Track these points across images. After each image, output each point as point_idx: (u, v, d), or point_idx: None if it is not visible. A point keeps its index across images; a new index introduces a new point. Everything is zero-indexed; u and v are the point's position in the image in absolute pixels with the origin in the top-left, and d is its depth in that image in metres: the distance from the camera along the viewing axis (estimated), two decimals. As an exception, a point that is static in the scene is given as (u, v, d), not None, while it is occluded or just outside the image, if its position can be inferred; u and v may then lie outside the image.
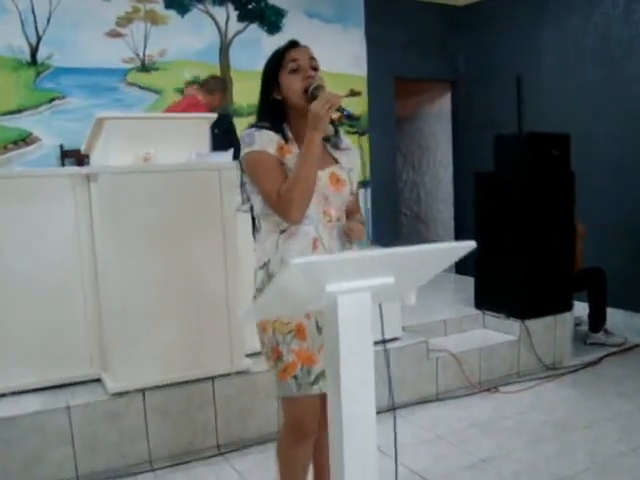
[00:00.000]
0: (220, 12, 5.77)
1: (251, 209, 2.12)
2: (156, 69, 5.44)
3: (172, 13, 5.54)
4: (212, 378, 3.21)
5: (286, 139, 2.01)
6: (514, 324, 4.37)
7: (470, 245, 1.44)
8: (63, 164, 5.08)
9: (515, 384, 4.16)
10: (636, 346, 4.82)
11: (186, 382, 3.16)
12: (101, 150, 3.10)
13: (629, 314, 5.33)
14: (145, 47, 5.43)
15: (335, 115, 1.97)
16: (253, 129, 2.00)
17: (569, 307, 4.59)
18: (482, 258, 4.56)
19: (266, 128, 1.99)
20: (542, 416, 3.63)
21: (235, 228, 3.19)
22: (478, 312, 4.65)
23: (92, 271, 3.19)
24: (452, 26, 7.07)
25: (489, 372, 4.19)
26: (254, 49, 5.87)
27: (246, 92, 5.85)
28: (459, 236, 7.58)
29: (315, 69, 2.03)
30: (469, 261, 7.28)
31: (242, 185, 2.09)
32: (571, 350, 4.60)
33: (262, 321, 2.07)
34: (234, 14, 5.84)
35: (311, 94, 1.96)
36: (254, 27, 5.94)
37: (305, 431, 2.09)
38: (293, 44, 2.06)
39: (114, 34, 5.29)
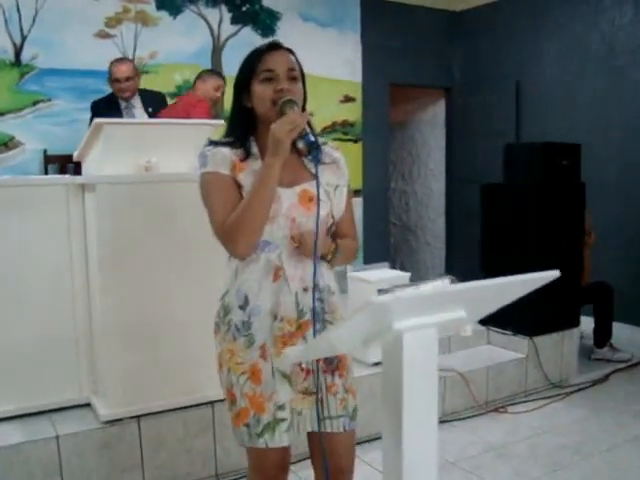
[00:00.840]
0: (213, 14, 5.56)
1: None
2: (146, 72, 5.19)
3: (164, 14, 5.32)
4: (212, 403, 2.99)
5: (247, 154, 1.79)
6: (521, 341, 4.20)
7: (554, 275, 1.28)
8: (46, 170, 4.83)
9: (523, 403, 3.99)
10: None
11: (184, 408, 2.94)
12: (98, 157, 2.86)
13: (634, 329, 5.20)
14: (135, 49, 5.20)
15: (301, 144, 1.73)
16: (207, 148, 1.80)
17: (576, 323, 4.43)
18: (488, 271, 4.40)
19: (223, 144, 1.80)
20: (557, 439, 3.46)
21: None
22: (482, 328, 4.47)
23: (84, 287, 2.96)
24: (448, 32, 6.93)
25: (496, 391, 4.02)
26: (247, 52, 5.66)
27: (238, 97, 5.65)
28: (451, 246, 7.45)
29: (294, 79, 1.79)
30: (464, 273, 7.19)
31: None
32: (577, 367, 4.45)
33: (219, 355, 1.89)
34: (227, 16, 5.64)
35: (280, 109, 1.73)
36: (248, 30, 5.74)
37: (270, 474, 1.90)
38: (272, 47, 1.82)
39: (103, 35, 5.05)
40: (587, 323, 4.75)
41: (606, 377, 4.40)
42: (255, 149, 1.81)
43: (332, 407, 1.84)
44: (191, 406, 2.95)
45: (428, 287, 1.34)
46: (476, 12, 6.76)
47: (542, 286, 4.43)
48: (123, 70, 4.29)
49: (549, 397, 4.07)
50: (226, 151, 1.77)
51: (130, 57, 5.15)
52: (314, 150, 1.73)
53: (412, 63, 6.73)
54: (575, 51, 5.78)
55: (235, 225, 1.69)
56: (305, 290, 1.79)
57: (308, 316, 1.80)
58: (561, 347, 4.33)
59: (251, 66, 1.80)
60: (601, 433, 3.52)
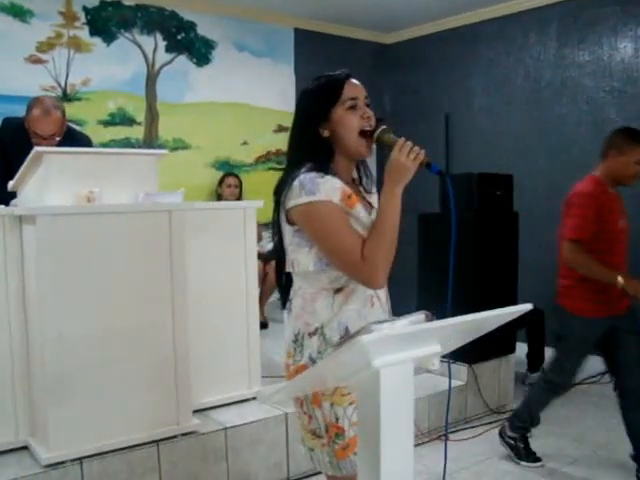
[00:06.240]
0: (148, 42, 5.50)
1: (278, 263, 1.89)
2: (79, 99, 5.08)
3: (97, 40, 5.22)
4: (157, 442, 2.89)
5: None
6: (461, 368, 4.27)
7: (526, 307, 1.32)
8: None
9: (465, 430, 4.04)
10: (573, 385, 4.82)
11: (128, 447, 2.82)
12: (36, 187, 2.75)
13: (564, 353, 5.34)
14: (67, 75, 5.07)
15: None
16: (313, 174, 1.72)
17: (513, 349, 4.54)
18: (424, 300, 4.46)
19: (319, 171, 1.74)
20: (502, 465, 3.52)
21: (185, 276, 2.91)
22: (422, 356, 4.51)
23: (21, 325, 2.81)
24: (379, 64, 7.06)
25: (438, 419, 4.05)
26: (181, 81, 5.64)
27: (172, 126, 5.58)
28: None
29: (368, 107, 1.84)
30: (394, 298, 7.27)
31: (276, 228, 1.86)
32: (513, 392, 4.55)
33: (315, 394, 1.80)
34: (162, 44, 5.58)
35: (378, 138, 1.78)
36: (182, 58, 5.69)
37: None
38: (350, 75, 1.85)
39: (34, 60, 4.90)
40: (520, 348, 4.88)
41: (541, 401, 4.51)
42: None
43: None
44: (136, 445, 2.84)
45: (404, 323, 1.35)
46: (406, 45, 6.94)
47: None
48: (47, 130, 3.33)
49: (489, 423, 4.13)
50: (335, 180, 1.73)
51: (62, 83, 5.02)
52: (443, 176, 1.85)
53: (343, 94, 6.81)
54: (502, 85, 6.00)
55: (375, 255, 1.71)
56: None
57: None
58: (499, 373, 4.43)
59: (335, 93, 1.79)
60: (543, 458, 3.60)
